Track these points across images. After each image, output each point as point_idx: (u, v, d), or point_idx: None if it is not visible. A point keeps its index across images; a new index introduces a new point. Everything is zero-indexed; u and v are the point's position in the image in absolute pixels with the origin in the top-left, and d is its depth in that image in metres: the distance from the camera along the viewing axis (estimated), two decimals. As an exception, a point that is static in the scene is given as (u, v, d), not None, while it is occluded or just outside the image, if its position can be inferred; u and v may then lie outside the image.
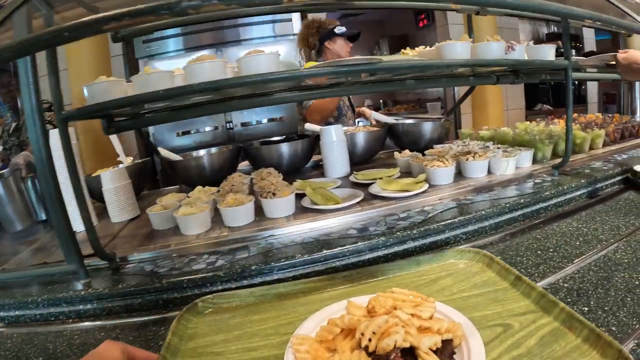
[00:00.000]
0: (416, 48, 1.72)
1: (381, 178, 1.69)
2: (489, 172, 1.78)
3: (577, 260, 1.14)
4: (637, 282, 0.99)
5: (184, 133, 3.59)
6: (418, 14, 5.10)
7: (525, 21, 4.98)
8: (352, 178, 1.87)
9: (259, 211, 1.53)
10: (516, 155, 1.76)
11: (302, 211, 1.54)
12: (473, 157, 1.73)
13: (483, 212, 1.41)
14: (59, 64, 1.17)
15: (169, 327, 0.87)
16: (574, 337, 0.73)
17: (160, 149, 2.18)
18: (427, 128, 2.28)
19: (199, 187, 1.75)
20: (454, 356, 0.68)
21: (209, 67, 1.18)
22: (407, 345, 0.62)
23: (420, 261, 1.10)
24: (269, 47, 3.52)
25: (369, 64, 1.28)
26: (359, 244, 1.25)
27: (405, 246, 1.30)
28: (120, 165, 2.05)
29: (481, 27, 3.89)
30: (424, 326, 0.67)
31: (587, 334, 0.72)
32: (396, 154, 2.03)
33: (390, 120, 2.40)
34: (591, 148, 2.16)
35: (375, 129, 2.31)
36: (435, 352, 0.64)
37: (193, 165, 2.11)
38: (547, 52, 1.67)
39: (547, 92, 5.62)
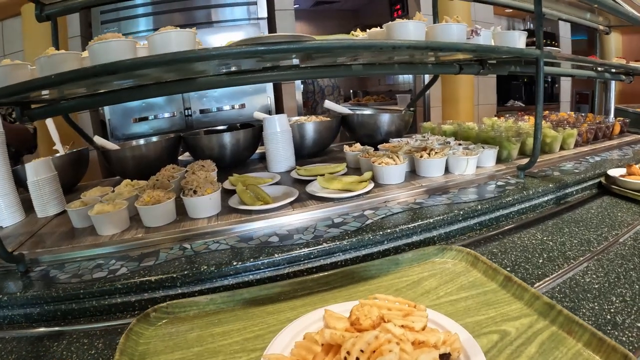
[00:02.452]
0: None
1: (323, 175, 1.41)
2: (448, 171, 1.50)
3: (538, 284, 0.90)
4: (608, 317, 0.76)
5: (141, 119, 3.24)
6: (393, 4, 4.82)
7: (502, 16, 4.75)
8: (293, 173, 1.59)
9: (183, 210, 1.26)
10: (478, 154, 1.48)
11: (228, 211, 1.27)
12: (428, 154, 1.45)
13: (431, 220, 1.14)
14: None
15: (65, 342, 0.76)
16: (575, 342, 0.67)
17: (95, 137, 1.87)
18: (384, 120, 2.00)
19: (126, 181, 1.49)
20: (453, 371, 0.58)
21: (116, 46, 0.95)
22: (402, 365, 0.52)
23: (399, 261, 0.96)
24: (241, 30, 3.26)
25: (294, 42, 0.98)
26: (276, 256, 0.99)
27: (333, 259, 1.03)
28: (57, 155, 1.78)
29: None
30: (419, 340, 0.58)
31: (589, 339, 0.66)
32: (345, 147, 1.74)
33: (344, 110, 2.12)
34: (562, 148, 1.91)
35: (327, 119, 2.03)
36: (433, 369, 0.54)
37: (128, 155, 1.80)
38: (517, 39, 1.40)
39: (519, 89, 5.40)
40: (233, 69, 1.28)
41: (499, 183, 1.44)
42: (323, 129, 1.94)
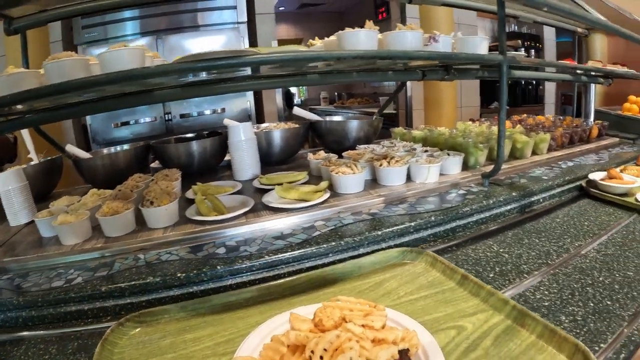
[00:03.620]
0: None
1: (281, 184, 1.38)
2: (411, 179, 1.47)
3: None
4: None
5: (122, 124, 3.20)
6: (378, 6, 4.77)
7: (485, 18, 4.70)
8: (255, 182, 1.55)
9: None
10: (440, 162, 1.45)
11: (185, 221, 1.24)
12: (388, 162, 1.42)
13: (380, 233, 1.10)
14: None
15: (24, 347, 0.80)
16: (528, 334, 0.70)
17: (68, 146, 1.85)
18: (352, 126, 1.95)
19: (92, 191, 1.47)
20: (412, 366, 0.61)
21: (69, 65, 0.98)
22: (362, 360, 0.55)
23: (361, 264, 0.98)
24: (221, 34, 3.22)
25: (234, 57, 0.94)
26: (219, 268, 0.98)
27: (275, 271, 1.01)
28: (31, 163, 1.77)
29: (437, 22, 3.59)
30: (378, 337, 0.61)
31: (541, 331, 0.69)
32: (310, 155, 1.70)
33: (312, 116, 2.08)
34: (535, 153, 1.88)
35: (295, 126, 1.99)
36: (392, 364, 0.57)
37: (98, 164, 1.78)
38: (478, 45, 1.36)
39: None
40: (191, 79, 1.25)
41: (461, 191, 1.40)
42: (290, 136, 1.89)
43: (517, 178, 1.56)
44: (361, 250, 1.08)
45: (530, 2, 1.24)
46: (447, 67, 1.48)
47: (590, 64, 2.29)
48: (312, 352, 0.57)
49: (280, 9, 6.98)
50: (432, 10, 3.46)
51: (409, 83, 3.98)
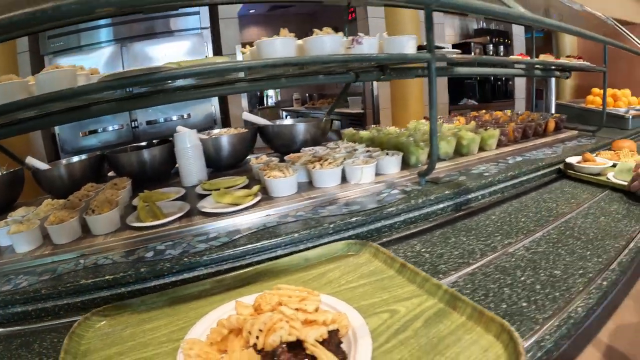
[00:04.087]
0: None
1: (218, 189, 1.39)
2: (347, 180, 1.49)
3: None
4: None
5: (90, 132, 3.20)
6: (347, 7, 4.77)
7: (454, 16, 4.72)
8: (198, 188, 1.56)
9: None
10: (374, 162, 1.46)
11: (125, 228, 1.29)
12: (321, 164, 1.43)
13: (297, 235, 1.11)
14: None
15: None
16: (459, 315, 0.74)
17: (28, 158, 1.87)
18: (299, 129, 1.97)
19: (46, 201, 1.51)
20: (341, 345, 0.66)
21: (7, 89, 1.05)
22: (293, 339, 0.61)
23: (308, 257, 1.03)
24: (185, 40, 3.23)
25: (148, 74, 0.98)
26: (142, 270, 1.03)
27: (196, 272, 1.05)
28: None
29: (403, 21, 3.60)
30: (310, 319, 0.66)
31: (471, 312, 0.73)
32: (252, 159, 1.72)
33: (261, 121, 2.09)
34: (483, 150, 1.90)
35: (243, 131, 2.01)
36: (322, 343, 0.62)
37: (55, 175, 1.82)
38: (405, 44, 1.37)
39: (473, 87, 5.35)
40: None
41: (394, 191, 1.41)
42: (237, 142, 1.90)
43: (458, 175, 1.57)
44: (279, 252, 1.10)
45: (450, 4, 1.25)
46: (383, 67, 1.50)
47: (542, 57, 2.31)
48: (249, 332, 0.63)
49: (251, 11, 7.01)
50: (397, 10, 3.47)
51: (375, 83, 4.00)
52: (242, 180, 1.52)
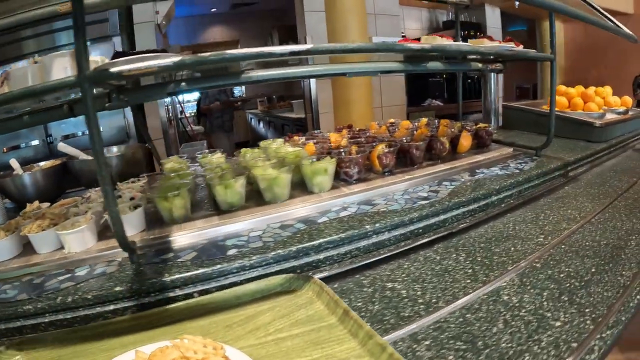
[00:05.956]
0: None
1: None
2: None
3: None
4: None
5: (11, 149, 3.03)
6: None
7: (423, 8, 4.14)
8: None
9: None
10: (79, 229, 1.06)
11: None
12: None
13: None
14: None
15: None
16: None
17: None
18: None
19: None
20: None
21: None
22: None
23: (239, 293, 0.89)
24: (95, 50, 2.96)
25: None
26: None
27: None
28: None
29: (345, 14, 3.11)
30: None
31: None
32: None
33: (77, 153, 1.71)
34: (312, 192, 1.40)
35: (52, 166, 1.70)
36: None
37: None
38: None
39: (439, 86, 4.64)
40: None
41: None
42: (41, 179, 1.61)
43: (190, 251, 1.06)
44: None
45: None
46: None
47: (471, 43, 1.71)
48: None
49: (212, 10, 6.84)
50: (339, 0, 3.00)
51: (313, 85, 3.56)
52: None
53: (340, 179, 1.45)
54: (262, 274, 0.98)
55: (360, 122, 2.67)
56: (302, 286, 0.90)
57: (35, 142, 3.05)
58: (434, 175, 1.52)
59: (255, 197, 1.34)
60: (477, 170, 1.59)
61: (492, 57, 1.83)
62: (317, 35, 3.50)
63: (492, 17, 4.31)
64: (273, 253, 1.00)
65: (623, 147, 2.17)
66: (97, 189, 1.42)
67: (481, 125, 1.94)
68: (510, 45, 1.66)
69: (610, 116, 2.24)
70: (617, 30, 1.80)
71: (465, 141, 1.78)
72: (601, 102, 2.40)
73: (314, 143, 1.70)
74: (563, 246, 1.11)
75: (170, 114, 3.70)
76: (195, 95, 5.78)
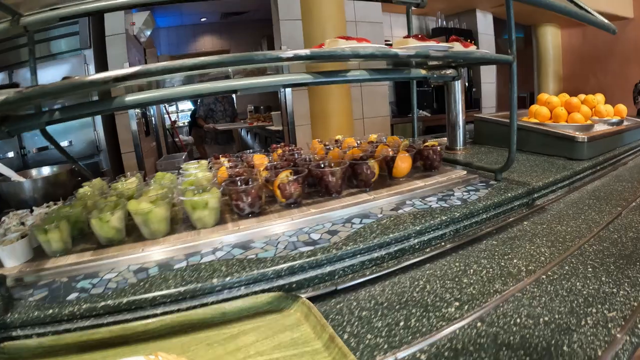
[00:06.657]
0: None
1: None
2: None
3: None
4: None
5: (-11, 160, 3.10)
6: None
7: (393, 13, 3.88)
8: None
9: None
10: None
11: None
12: None
13: None
14: None
15: None
16: None
17: None
18: (24, 187, 1.61)
19: None
20: None
21: None
22: None
23: (225, 310, 0.85)
24: (65, 63, 2.97)
25: None
26: None
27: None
28: None
29: (323, 21, 2.95)
30: None
31: None
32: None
33: (10, 174, 1.63)
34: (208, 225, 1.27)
35: None
36: None
37: None
38: None
39: (428, 96, 4.30)
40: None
41: None
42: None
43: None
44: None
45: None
46: None
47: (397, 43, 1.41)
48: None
49: (202, 20, 6.79)
50: (315, 8, 2.84)
51: (288, 95, 3.39)
52: None
53: (234, 212, 1.26)
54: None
55: (339, 133, 2.52)
56: (290, 306, 0.85)
57: (10, 154, 3.08)
58: (348, 210, 1.26)
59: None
60: (407, 202, 1.32)
61: (441, 62, 1.61)
62: (295, 43, 3.36)
63: (484, 23, 3.98)
64: (103, 303, 0.86)
65: (613, 164, 1.83)
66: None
67: (429, 143, 1.65)
68: (444, 45, 1.34)
69: (600, 128, 1.93)
70: (591, 20, 1.55)
71: (403, 163, 1.49)
72: (588, 113, 2.06)
73: (228, 167, 1.56)
74: (478, 324, 0.78)
75: (154, 125, 3.69)
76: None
